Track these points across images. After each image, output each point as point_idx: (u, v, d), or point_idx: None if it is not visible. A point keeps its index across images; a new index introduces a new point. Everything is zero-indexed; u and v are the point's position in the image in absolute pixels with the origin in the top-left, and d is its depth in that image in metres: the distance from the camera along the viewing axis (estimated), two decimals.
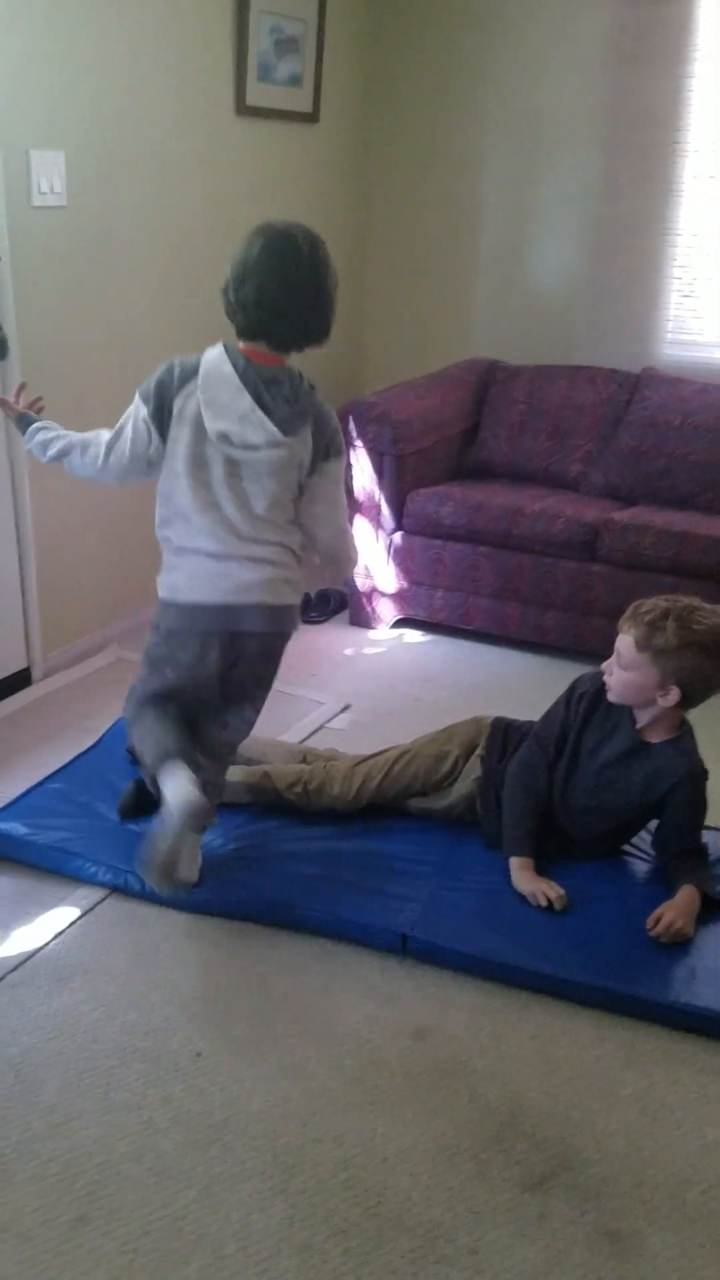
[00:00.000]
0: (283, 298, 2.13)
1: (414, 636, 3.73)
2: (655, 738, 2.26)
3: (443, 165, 4.30)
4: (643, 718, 2.25)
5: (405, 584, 3.68)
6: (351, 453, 3.62)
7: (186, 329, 3.59)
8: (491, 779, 2.39)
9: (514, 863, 2.27)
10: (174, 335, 3.54)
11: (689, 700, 2.20)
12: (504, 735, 2.44)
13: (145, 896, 2.24)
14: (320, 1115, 1.77)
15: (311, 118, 3.99)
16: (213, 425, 2.10)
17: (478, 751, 2.44)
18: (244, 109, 3.63)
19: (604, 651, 3.36)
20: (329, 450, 2.20)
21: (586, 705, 2.32)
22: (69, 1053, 1.87)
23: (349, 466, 3.63)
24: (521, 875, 2.25)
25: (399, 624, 3.78)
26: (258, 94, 3.67)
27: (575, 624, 3.43)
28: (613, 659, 2.25)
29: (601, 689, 2.30)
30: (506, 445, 3.87)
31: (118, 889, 2.27)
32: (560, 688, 3.30)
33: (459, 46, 4.14)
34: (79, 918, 2.20)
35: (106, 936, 2.16)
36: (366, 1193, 1.64)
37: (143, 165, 3.28)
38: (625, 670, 2.21)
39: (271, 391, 2.15)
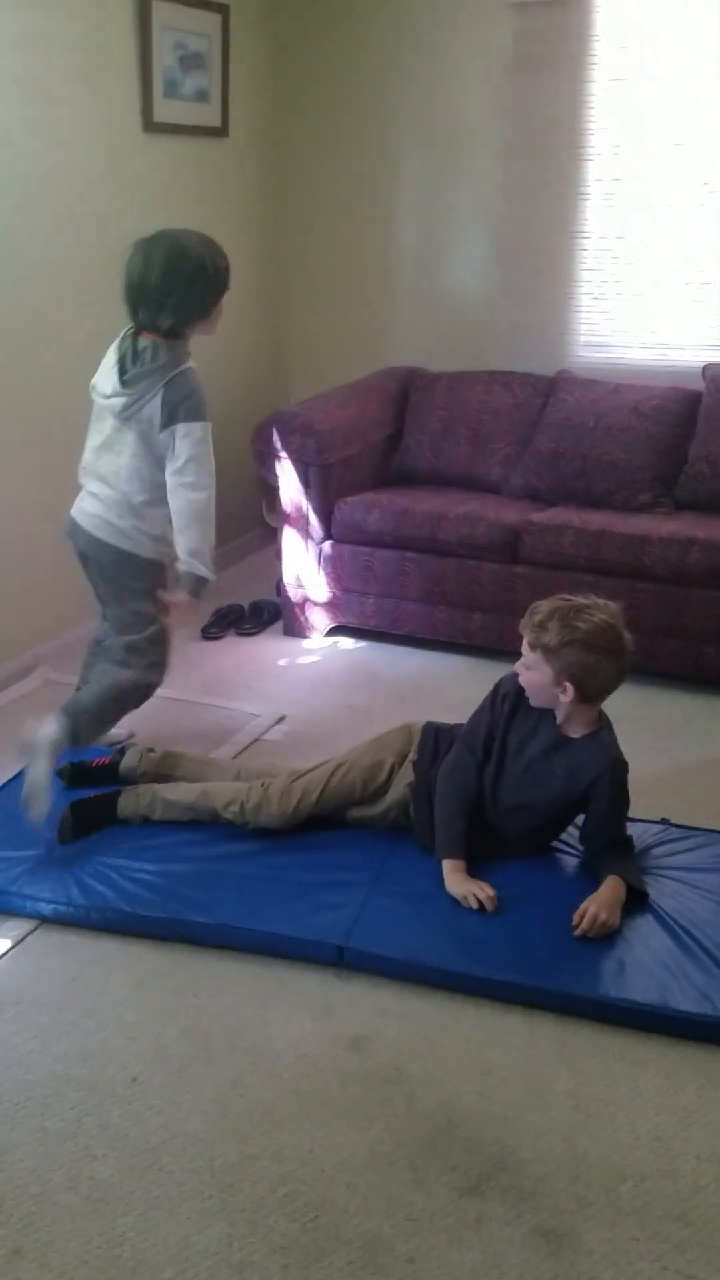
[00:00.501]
0: (129, 288, 2.63)
1: (347, 644, 3.75)
2: (575, 733, 2.30)
3: (355, 175, 4.33)
4: (560, 714, 2.30)
5: (336, 592, 3.69)
6: (277, 464, 3.63)
7: (100, 346, 3.57)
8: (424, 783, 2.41)
9: (447, 865, 2.30)
10: (88, 353, 3.52)
11: (585, 695, 2.24)
12: (435, 739, 2.46)
13: (76, 924, 2.23)
14: (258, 1131, 1.78)
15: (220, 132, 4.00)
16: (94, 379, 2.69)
17: (410, 757, 2.46)
18: (152, 125, 3.62)
19: None
20: (174, 415, 2.57)
21: (509, 705, 2.36)
22: (2, 1085, 1.86)
23: (275, 477, 3.64)
24: (454, 878, 2.27)
25: (332, 632, 3.80)
26: (165, 110, 3.67)
27: (501, 624, 3.47)
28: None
29: (519, 693, 2.34)
30: (429, 451, 3.91)
31: (49, 920, 2.25)
32: (489, 687, 3.35)
33: (366, 56, 4.17)
34: (9, 949, 2.18)
35: (37, 966, 2.14)
36: (305, 1207, 1.64)
37: (51, 185, 3.26)
38: (527, 670, 2.30)
39: (135, 358, 2.62)
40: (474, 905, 2.22)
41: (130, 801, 2.51)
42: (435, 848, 2.34)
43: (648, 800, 2.69)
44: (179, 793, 2.50)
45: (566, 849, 2.44)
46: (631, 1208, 1.65)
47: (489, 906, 2.21)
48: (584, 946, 2.11)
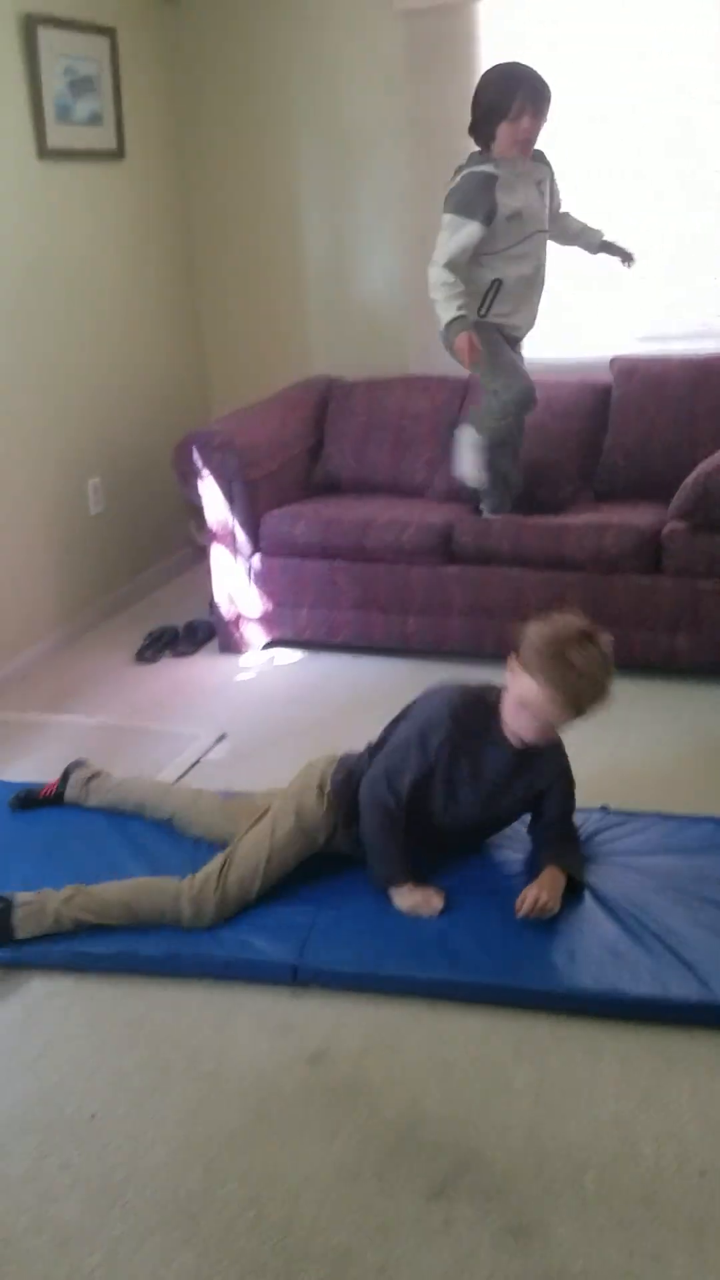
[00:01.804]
0: None
1: (285, 657, 3.75)
2: (541, 746, 2.26)
3: (259, 189, 4.34)
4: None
5: (270, 606, 3.69)
6: (200, 483, 3.62)
7: (16, 374, 3.54)
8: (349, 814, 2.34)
9: (393, 892, 2.26)
10: (2, 383, 3.49)
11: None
12: (347, 776, 2.36)
13: (27, 965, 2.20)
14: (222, 1157, 1.77)
15: (117, 155, 3.98)
16: None
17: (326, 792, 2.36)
18: (46, 152, 3.60)
19: (465, 650, 3.48)
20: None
21: (448, 753, 2.26)
22: None
23: (199, 496, 3.64)
24: (402, 897, 2.25)
25: (268, 646, 3.79)
26: (59, 136, 3.64)
27: (436, 626, 3.49)
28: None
29: (452, 734, 2.24)
30: (352, 459, 3.92)
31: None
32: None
33: (259, 71, 4.18)
34: None
35: None
36: (274, 1227, 1.64)
37: None
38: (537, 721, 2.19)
39: None
40: (425, 914, 2.22)
41: (33, 922, 2.22)
42: (374, 880, 2.29)
43: (586, 788, 2.71)
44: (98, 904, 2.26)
45: (510, 846, 2.45)
46: (597, 1195, 1.67)
47: (438, 909, 2.22)
48: (535, 940, 2.13)
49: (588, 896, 2.25)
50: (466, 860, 2.39)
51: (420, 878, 2.29)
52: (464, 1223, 1.64)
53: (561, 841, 2.33)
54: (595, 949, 2.09)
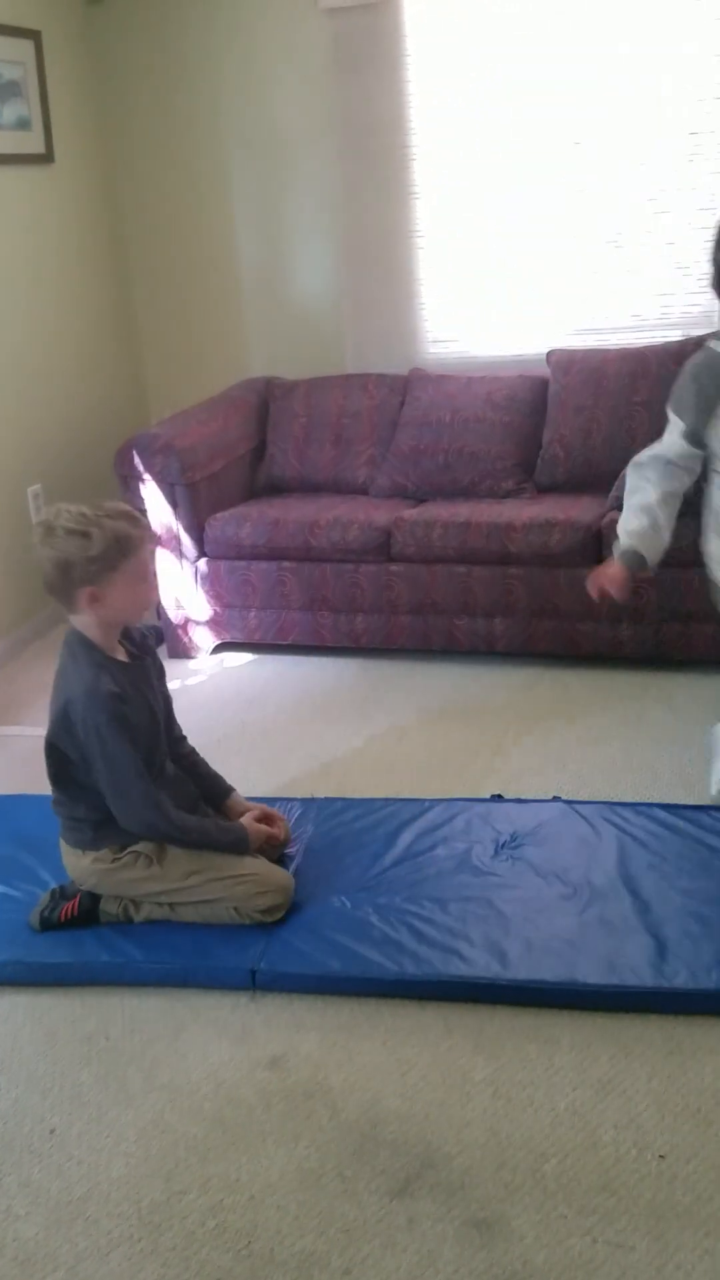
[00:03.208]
0: None
1: (234, 659, 3.74)
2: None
3: (190, 190, 4.31)
4: None
5: (218, 609, 3.67)
6: (141, 487, 3.59)
7: None
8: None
9: (245, 846, 2.27)
10: None
11: None
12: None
13: None
14: (183, 1166, 1.76)
15: (46, 159, 3.93)
16: None
17: None
18: None
19: (414, 647, 3.49)
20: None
21: (123, 707, 2.15)
22: None
23: (141, 500, 3.61)
24: (251, 838, 2.29)
25: (218, 649, 3.78)
26: None
27: (384, 624, 3.50)
28: None
29: (108, 689, 2.13)
30: (294, 459, 3.91)
31: None
32: (379, 688, 3.39)
33: (186, 70, 4.15)
34: None
35: None
36: (237, 1235, 1.63)
37: None
38: None
39: None
40: (277, 830, 2.35)
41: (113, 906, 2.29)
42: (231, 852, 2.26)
43: (539, 780, 2.76)
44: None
45: (452, 844, 2.46)
46: (557, 1185, 1.69)
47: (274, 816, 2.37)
48: (490, 933, 2.14)
49: (542, 886, 2.26)
50: (417, 861, 2.39)
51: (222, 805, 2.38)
52: (427, 1220, 1.64)
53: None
54: (550, 939, 2.11)
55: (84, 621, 2.18)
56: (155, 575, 2.19)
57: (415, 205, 4.01)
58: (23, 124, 3.79)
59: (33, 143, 3.86)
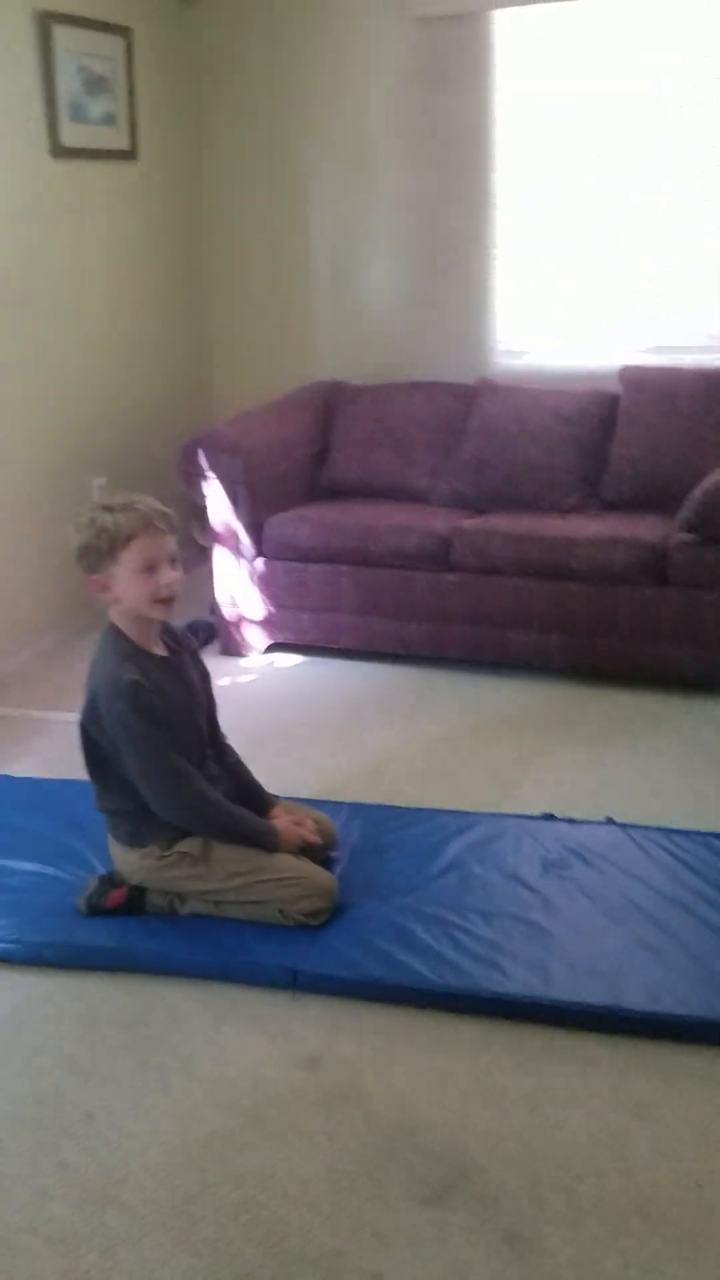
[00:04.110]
0: None
1: (285, 660, 3.75)
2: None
3: (268, 192, 4.35)
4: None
5: (272, 609, 3.69)
6: (204, 484, 3.62)
7: (23, 372, 3.55)
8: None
9: (277, 843, 2.27)
10: (6, 389, 3.49)
11: None
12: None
13: (25, 962, 2.20)
14: (217, 1159, 1.77)
15: (130, 155, 3.99)
16: None
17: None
18: (60, 150, 3.61)
19: (466, 658, 3.48)
20: None
21: (151, 697, 2.20)
22: None
23: (203, 497, 3.64)
24: (283, 840, 2.28)
25: (270, 649, 3.79)
26: (72, 134, 3.65)
27: (437, 632, 3.50)
28: None
29: (136, 679, 2.17)
30: (356, 464, 3.92)
31: None
32: (429, 696, 3.39)
33: (273, 74, 4.19)
34: None
35: None
36: (269, 1231, 1.64)
37: None
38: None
39: None
40: (310, 837, 2.32)
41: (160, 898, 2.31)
42: (256, 844, 2.26)
43: (588, 800, 2.74)
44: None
45: (501, 866, 2.46)
46: (592, 1206, 1.67)
47: (307, 820, 2.35)
48: (531, 950, 2.13)
49: (589, 907, 2.25)
50: (464, 873, 2.38)
51: (264, 815, 2.34)
52: (459, 1231, 1.64)
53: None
54: (596, 961, 2.10)
55: (114, 613, 2.22)
56: (169, 570, 2.15)
57: (493, 215, 4.01)
58: (109, 119, 3.85)
59: (118, 138, 3.91)
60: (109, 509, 2.14)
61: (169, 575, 2.16)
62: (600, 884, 2.33)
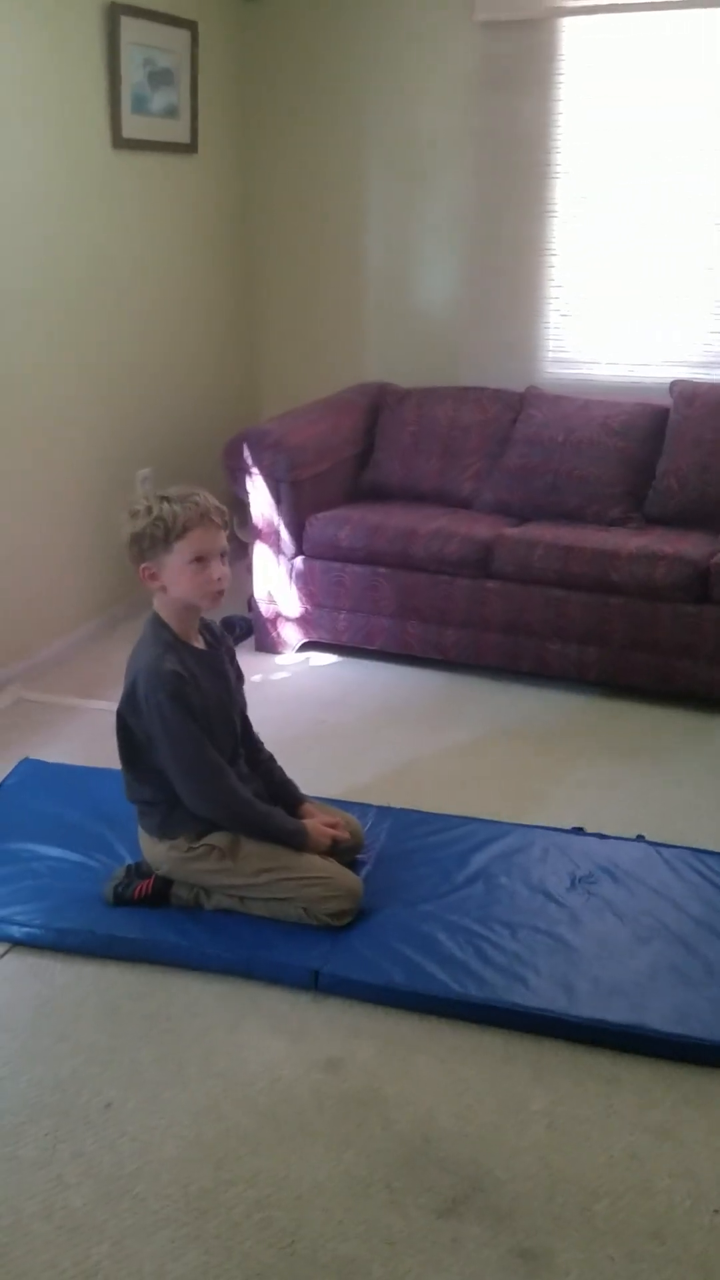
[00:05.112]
0: None
1: (320, 659, 3.75)
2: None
3: (325, 191, 4.35)
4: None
5: (308, 607, 3.69)
6: (248, 480, 3.63)
7: (75, 362, 3.57)
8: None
9: (305, 843, 2.27)
10: (61, 370, 3.52)
11: None
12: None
13: (49, 947, 2.21)
14: (233, 1156, 1.77)
15: (190, 148, 4.00)
16: None
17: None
18: (121, 142, 3.62)
19: (502, 666, 3.47)
20: None
21: (187, 685, 2.20)
22: None
23: (246, 493, 3.64)
24: (313, 840, 2.28)
25: (304, 648, 3.79)
26: (134, 126, 3.67)
27: (474, 639, 3.48)
28: None
29: (175, 670, 2.17)
30: (400, 467, 3.92)
31: (21, 943, 2.23)
32: (462, 703, 3.38)
33: (334, 74, 4.19)
34: None
35: (8, 991, 2.12)
36: (281, 1232, 1.64)
37: (16, 203, 3.25)
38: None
39: None
40: (340, 837, 2.33)
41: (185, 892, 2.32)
42: (286, 844, 2.26)
43: (618, 816, 2.71)
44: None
45: (526, 878, 2.44)
46: (607, 1226, 1.66)
47: (339, 821, 2.36)
48: (555, 965, 2.12)
49: (616, 925, 2.23)
50: (490, 883, 2.37)
51: (294, 812, 2.35)
52: (473, 1242, 1.63)
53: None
54: (621, 980, 2.08)
55: (159, 602, 2.23)
56: (219, 565, 2.17)
57: (550, 223, 3.99)
58: (171, 112, 3.86)
59: (179, 131, 3.92)
60: (167, 499, 2.15)
61: (219, 570, 2.17)
62: (628, 902, 2.31)
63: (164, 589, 2.19)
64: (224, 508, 2.22)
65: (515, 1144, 1.80)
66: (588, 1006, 2.01)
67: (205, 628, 2.31)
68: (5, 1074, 1.92)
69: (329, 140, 4.28)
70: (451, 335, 4.26)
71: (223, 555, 2.19)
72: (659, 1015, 1.99)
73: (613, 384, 3.97)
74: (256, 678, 3.61)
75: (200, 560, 2.15)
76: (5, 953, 2.22)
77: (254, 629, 3.82)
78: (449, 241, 4.20)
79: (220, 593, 2.20)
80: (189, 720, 2.16)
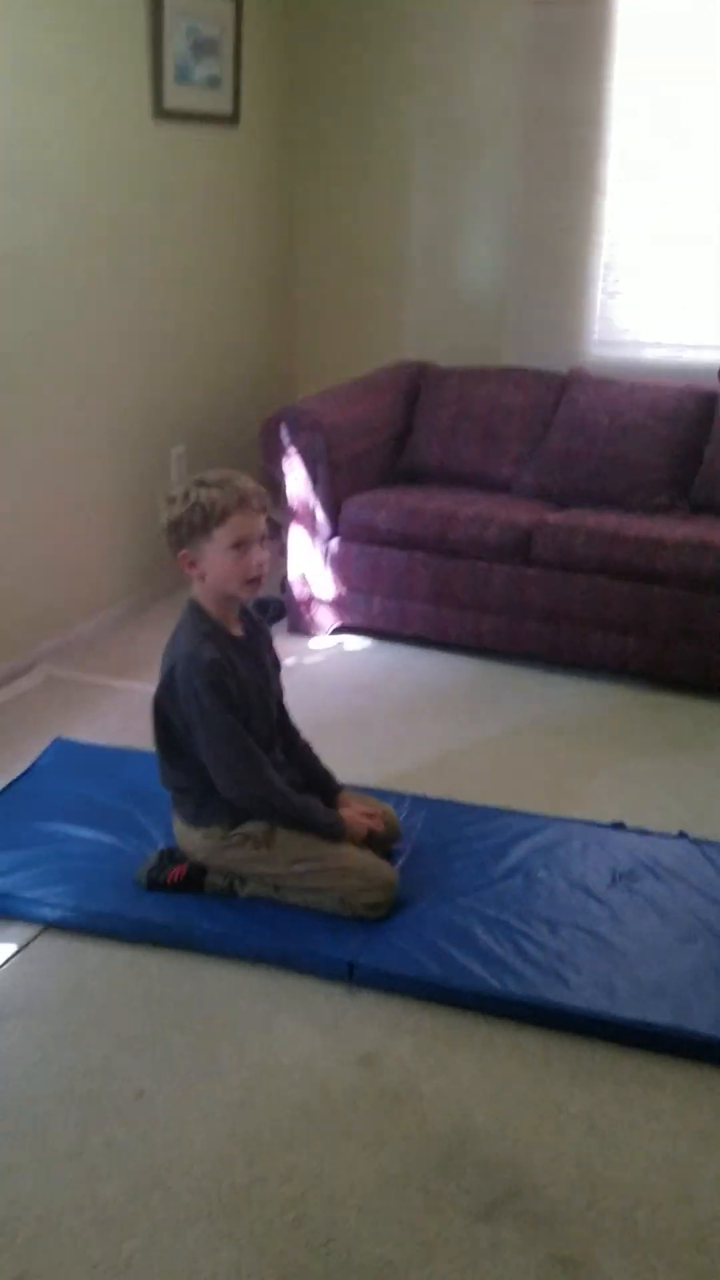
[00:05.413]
0: None
1: (353, 643, 3.70)
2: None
3: (367, 166, 4.27)
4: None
5: (343, 591, 3.64)
6: (284, 460, 3.57)
7: (110, 337, 3.52)
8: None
9: (342, 833, 2.24)
10: (96, 344, 3.47)
11: None
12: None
13: (81, 930, 2.19)
14: (267, 1151, 1.74)
15: (232, 120, 3.93)
16: None
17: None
18: (162, 112, 3.56)
19: (540, 655, 3.41)
20: None
21: (226, 672, 2.16)
22: (4, 1099, 1.82)
23: (281, 473, 3.59)
24: (350, 830, 2.24)
25: (338, 631, 3.75)
26: (176, 96, 3.60)
27: (511, 627, 3.42)
28: None
29: (214, 655, 2.14)
30: (438, 449, 3.85)
31: (53, 925, 2.21)
32: (498, 692, 3.32)
33: (380, 47, 4.10)
34: (12, 956, 2.14)
35: (41, 974, 2.10)
36: (315, 1232, 1.60)
37: (57, 172, 3.20)
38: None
39: None
40: (375, 826, 2.30)
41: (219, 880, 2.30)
42: (323, 836, 2.22)
43: (657, 811, 2.66)
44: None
45: (568, 873, 2.39)
46: (649, 1235, 1.62)
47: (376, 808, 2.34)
48: (596, 964, 2.07)
49: (658, 923, 2.18)
50: (529, 878, 2.33)
51: (331, 802, 2.32)
52: (510, 1248, 1.59)
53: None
54: (665, 981, 2.03)
55: (197, 589, 2.19)
56: (259, 551, 2.12)
57: (600, 202, 3.89)
58: (214, 83, 3.79)
59: (221, 103, 3.86)
60: (205, 484, 2.10)
61: (259, 555, 2.12)
62: (670, 900, 2.26)
63: (202, 576, 2.15)
64: (263, 491, 2.17)
65: (554, 1147, 1.76)
66: (631, 1007, 1.96)
67: (244, 615, 2.27)
68: (37, 1059, 1.90)
69: (373, 113, 4.20)
70: (494, 314, 4.18)
71: (261, 540, 2.15)
72: (703, 1017, 1.94)
73: (660, 367, 3.88)
74: (289, 661, 3.56)
75: (239, 546, 2.10)
76: (37, 935, 2.20)
77: (286, 611, 3.78)
78: (494, 218, 4.12)
79: (259, 579, 2.15)
80: (227, 710, 2.12)
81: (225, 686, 2.12)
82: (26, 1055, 1.90)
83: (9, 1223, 1.60)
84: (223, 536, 2.09)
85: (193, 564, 2.14)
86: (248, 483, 2.13)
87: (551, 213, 3.96)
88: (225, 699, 2.11)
